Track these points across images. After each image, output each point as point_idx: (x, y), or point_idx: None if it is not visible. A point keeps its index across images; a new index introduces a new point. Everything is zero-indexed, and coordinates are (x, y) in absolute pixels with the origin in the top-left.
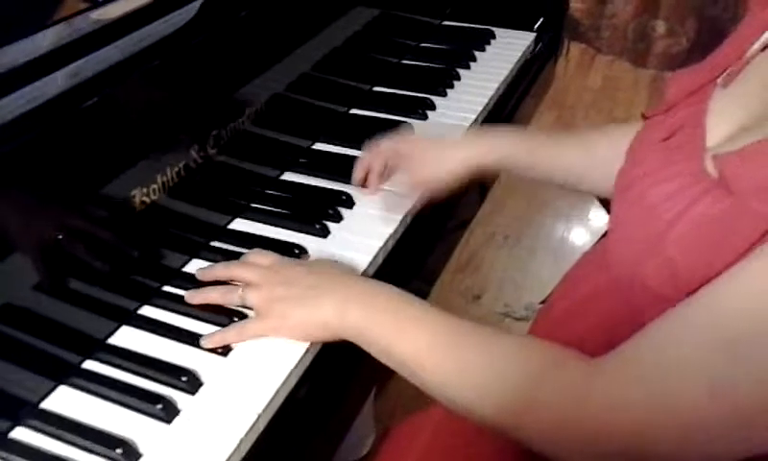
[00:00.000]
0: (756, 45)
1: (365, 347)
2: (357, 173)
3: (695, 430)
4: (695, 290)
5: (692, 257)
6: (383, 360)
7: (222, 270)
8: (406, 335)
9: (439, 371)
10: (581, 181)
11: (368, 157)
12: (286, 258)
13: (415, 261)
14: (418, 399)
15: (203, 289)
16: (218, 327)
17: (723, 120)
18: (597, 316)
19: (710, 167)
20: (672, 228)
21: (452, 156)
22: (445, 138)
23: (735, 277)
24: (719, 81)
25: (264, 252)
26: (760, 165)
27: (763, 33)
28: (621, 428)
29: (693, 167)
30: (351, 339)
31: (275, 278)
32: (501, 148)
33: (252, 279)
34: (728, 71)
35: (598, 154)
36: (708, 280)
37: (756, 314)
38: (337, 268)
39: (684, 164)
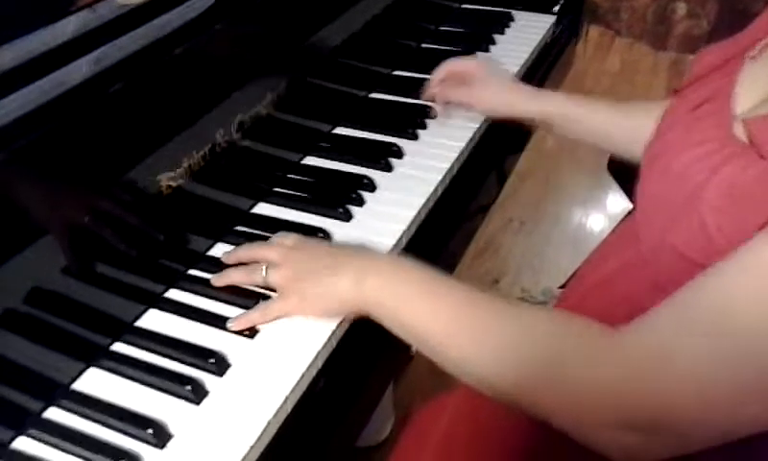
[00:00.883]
0: None
1: (382, 320)
2: (428, 88)
3: (719, 399)
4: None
5: (725, 221)
6: (400, 333)
7: (245, 252)
8: (425, 305)
9: (457, 343)
10: (621, 146)
11: (436, 74)
12: (310, 239)
13: (437, 244)
14: (436, 384)
15: (227, 271)
16: (244, 310)
17: (752, 89)
18: (623, 289)
19: (739, 132)
20: (702, 190)
21: (506, 95)
22: (507, 77)
23: (755, 244)
24: (749, 54)
25: (288, 233)
26: None
27: None
28: (642, 398)
29: (721, 133)
30: (370, 312)
31: (296, 256)
32: (551, 102)
33: (274, 258)
34: (758, 45)
35: (637, 121)
36: (740, 244)
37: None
38: (354, 247)
39: (712, 131)
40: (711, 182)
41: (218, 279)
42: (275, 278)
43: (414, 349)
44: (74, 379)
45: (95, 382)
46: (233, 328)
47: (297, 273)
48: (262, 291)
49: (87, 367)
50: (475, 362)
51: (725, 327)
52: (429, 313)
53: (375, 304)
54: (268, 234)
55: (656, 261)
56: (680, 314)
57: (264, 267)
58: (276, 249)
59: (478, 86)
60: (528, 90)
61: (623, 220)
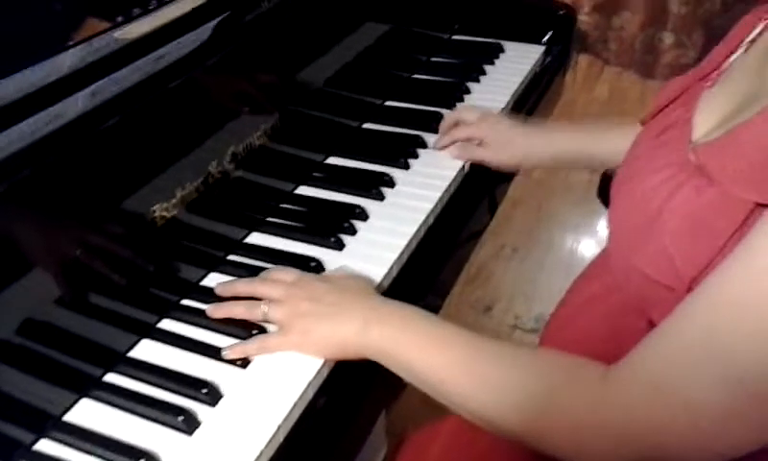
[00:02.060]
0: (740, 49)
1: (386, 364)
2: (441, 144)
3: (712, 424)
4: (694, 279)
5: (685, 247)
6: (405, 377)
7: (244, 286)
8: (427, 354)
9: (460, 387)
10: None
11: (451, 134)
12: (308, 274)
13: (429, 273)
14: (429, 411)
15: (226, 303)
16: (237, 340)
17: (708, 116)
18: (601, 311)
19: (693, 157)
20: (660, 214)
21: (519, 150)
22: (515, 128)
23: (729, 267)
24: (705, 84)
25: (286, 268)
26: (737, 153)
27: (747, 36)
28: (639, 432)
29: (678, 158)
30: (372, 357)
31: (298, 293)
32: (563, 141)
33: (275, 295)
34: (714, 74)
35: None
36: (702, 269)
37: (757, 297)
38: (357, 284)
39: (671, 156)
40: (668, 206)
41: (216, 311)
42: (276, 314)
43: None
44: (66, 411)
45: (87, 413)
46: (227, 357)
47: (299, 311)
48: (255, 322)
49: (80, 398)
50: (479, 403)
51: (711, 356)
52: (431, 360)
53: (378, 352)
54: (261, 264)
55: (626, 284)
56: (666, 347)
57: (265, 304)
58: (278, 285)
59: (493, 148)
60: (538, 135)
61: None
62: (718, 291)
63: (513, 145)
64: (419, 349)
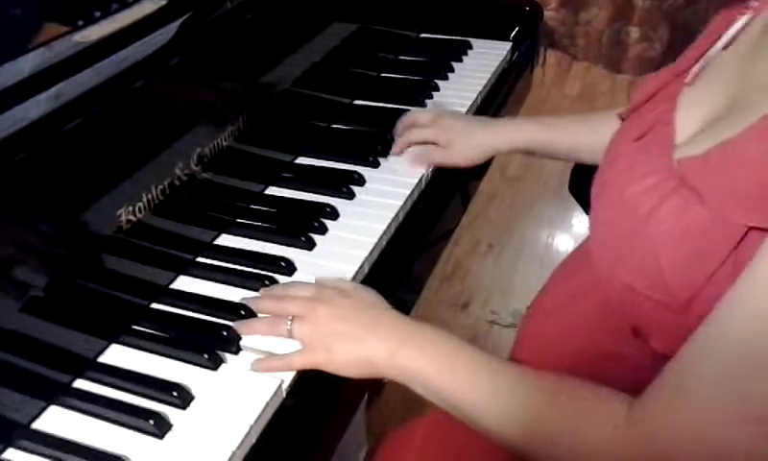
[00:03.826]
0: (719, 44)
1: (412, 387)
2: (397, 149)
3: (730, 457)
4: (691, 299)
5: (675, 265)
6: (432, 400)
7: (267, 303)
8: (457, 384)
9: (486, 417)
10: (589, 156)
11: (406, 137)
12: (327, 288)
13: (400, 270)
14: (409, 412)
15: (249, 321)
16: (208, 342)
17: (690, 117)
18: (578, 313)
19: (678, 168)
20: (645, 226)
21: (475, 145)
22: (471, 124)
23: (738, 293)
24: (686, 80)
25: (305, 284)
26: (728, 173)
27: (725, 31)
28: None
29: (664, 164)
30: (397, 380)
31: (321, 310)
32: (520, 135)
33: (298, 312)
34: (693, 70)
35: (602, 132)
36: (698, 289)
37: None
38: (371, 297)
39: (656, 162)
40: (654, 218)
41: (241, 328)
42: (302, 332)
43: (386, 378)
44: (34, 419)
45: (56, 420)
46: (258, 371)
47: (325, 330)
48: (227, 323)
49: (48, 405)
50: (506, 432)
51: (729, 394)
52: (463, 394)
53: (404, 375)
54: (231, 266)
55: (607, 288)
56: (680, 383)
57: (289, 321)
58: (299, 301)
59: (448, 148)
60: (494, 128)
61: (583, 241)
62: (728, 329)
63: (468, 143)
64: (447, 375)
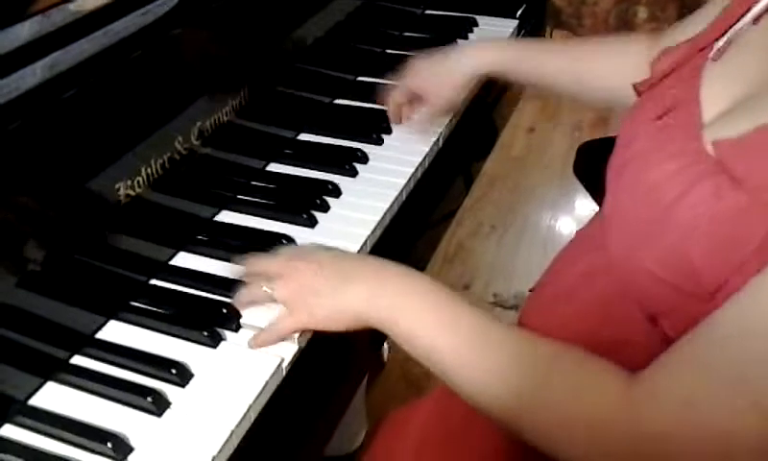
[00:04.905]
0: (748, 17)
1: (393, 337)
2: (393, 118)
3: (739, 451)
4: (718, 288)
5: (705, 253)
6: (409, 351)
7: (249, 268)
8: (437, 330)
9: (467, 370)
10: (576, 90)
11: (392, 101)
12: (306, 246)
13: (402, 250)
14: (410, 391)
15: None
16: (207, 318)
17: (717, 94)
18: (591, 295)
19: (710, 147)
20: (673, 211)
21: (455, 75)
22: (447, 56)
23: (759, 284)
24: (710, 55)
25: (287, 247)
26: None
27: (752, 5)
28: (655, 452)
29: (692, 146)
30: (382, 327)
31: (300, 266)
32: (498, 58)
33: (273, 270)
34: (718, 44)
35: (585, 64)
36: (728, 276)
37: None
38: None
39: (683, 143)
40: (683, 204)
41: (235, 301)
42: (283, 294)
43: (386, 356)
44: (31, 395)
45: (53, 397)
46: (255, 348)
47: (303, 285)
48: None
49: (45, 381)
50: (484, 390)
51: (741, 382)
52: (441, 338)
53: (389, 321)
54: (232, 242)
55: (625, 273)
56: (695, 369)
57: (266, 283)
58: (275, 260)
59: (427, 99)
60: (454, 57)
61: (589, 223)
62: (751, 316)
63: (440, 85)
64: (430, 322)
